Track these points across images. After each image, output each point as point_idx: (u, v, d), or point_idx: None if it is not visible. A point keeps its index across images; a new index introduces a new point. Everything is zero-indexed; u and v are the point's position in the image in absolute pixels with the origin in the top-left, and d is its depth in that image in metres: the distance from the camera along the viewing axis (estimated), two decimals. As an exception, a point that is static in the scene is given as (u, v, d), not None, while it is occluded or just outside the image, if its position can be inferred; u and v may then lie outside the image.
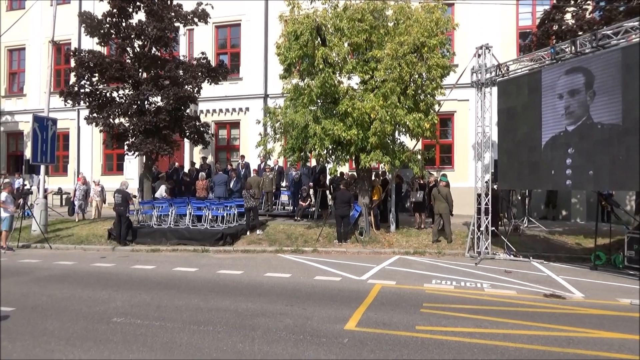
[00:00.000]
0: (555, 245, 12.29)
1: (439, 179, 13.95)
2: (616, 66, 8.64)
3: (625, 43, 8.81)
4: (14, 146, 24.77)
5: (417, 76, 12.20)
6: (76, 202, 16.73)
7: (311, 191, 16.20)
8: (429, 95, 12.60)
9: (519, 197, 16.28)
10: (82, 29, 16.13)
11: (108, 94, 15.94)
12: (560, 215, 17.09)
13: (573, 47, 9.58)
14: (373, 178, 14.44)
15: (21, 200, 13.60)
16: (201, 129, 16.55)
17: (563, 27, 13.69)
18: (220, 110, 20.80)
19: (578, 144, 9.37)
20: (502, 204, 13.79)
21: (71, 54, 15.70)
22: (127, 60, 15.75)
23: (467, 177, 16.89)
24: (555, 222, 16.18)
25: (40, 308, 7.06)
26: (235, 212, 14.37)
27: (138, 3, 15.50)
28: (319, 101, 12.61)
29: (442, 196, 12.58)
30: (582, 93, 9.28)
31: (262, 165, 17.44)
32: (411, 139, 13.76)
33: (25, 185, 18.75)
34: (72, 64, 15.83)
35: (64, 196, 21.14)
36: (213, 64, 17.26)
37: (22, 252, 12.78)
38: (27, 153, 19.51)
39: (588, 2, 14.04)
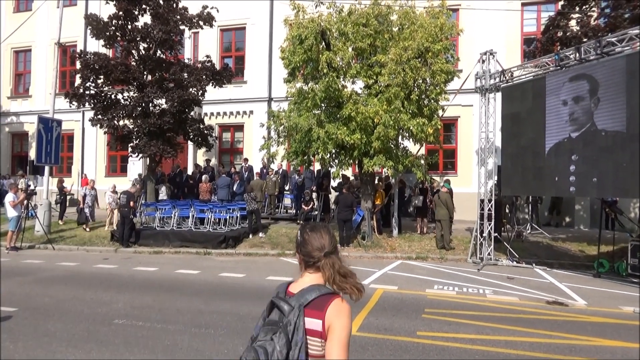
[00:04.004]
0: (559, 252, 12.25)
1: (441, 185, 13.94)
2: (620, 73, 8.63)
3: (629, 50, 8.80)
4: (19, 147, 24.91)
5: (421, 81, 12.21)
6: (87, 210, 15.42)
7: (314, 195, 16.21)
8: (432, 101, 12.60)
9: (524, 204, 16.23)
10: (88, 31, 16.24)
11: (113, 96, 16.00)
12: (563, 221, 17.03)
13: (577, 54, 9.58)
14: (376, 182, 14.44)
15: (25, 201, 13.62)
16: (205, 131, 16.59)
17: (567, 34, 13.68)
18: (224, 113, 20.87)
19: (582, 150, 9.35)
20: (505, 210, 13.76)
21: (77, 55, 15.78)
22: (132, 63, 15.82)
23: (470, 183, 16.86)
24: (558, 228, 16.12)
25: (42, 309, 7.08)
26: (238, 215, 14.39)
27: (144, 6, 15.58)
28: (322, 105, 12.64)
29: (442, 202, 12.54)
30: (586, 100, 9.27)
31: (265, 169, 17.48)
32: (414, 144, 13.77)
33: (30, 186, 18.82)
34: (78, 65, 15.90)
35: (68, 197, 21.14)
36: (218, 67, 17.32)
37: (26, 253, 12.84)
38: (32, 154, 19.60)
39: (593, 8, 14.04)
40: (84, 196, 15.63)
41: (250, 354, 1.71)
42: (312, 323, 1.76)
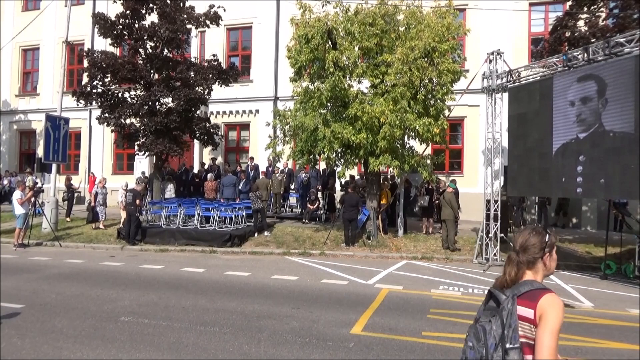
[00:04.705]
0: (565, 254, 12.17)
1: (447, 185, 13.91)
2: (629, 74, 8.56)
3: (638, 51, 8.72)
4: (27, 145, 25.10)
5: (427, 81, 12.19)
6: (99, 209, 15.23)
7: (319, 194, 16.22)
8: (439, 100, 12.57)
9: (529, 204, 16.14)
10: (96, 30, 16.34)
11: (120, 95, 16.10)
12: (570, 223, 16.93)
13: (585, 54, 9.52)
14: (381, 182, 14.42)
15: (33, 198, 13.71)
16: (211, 130, 16.65)
17: (575, 34, 13.58)
18: (231, 112, 20.91)
19: (589, 151, 9.29)
20: (512, 211, 13.69)
21: (84, 54, 15.89)
22: (139, 62, 15.90)
23: (476, 183, 16.81)
24: (565, 229, 16.03)
25: (49, 305, 7.13)
26: (244, 214, 14.43)
27: (151, 5, 15.65)
28: (328, 104, 12.63)
29: (446, 202, 12.51)
30: (594, 100, 9.21)
31: (270, 168, 17.51)
32: (420, 144, 13.74)
33: (37, 183, 18.95)
34: (85, 64, 16.01)
35: (75, 194, 21.21)
36: (224, 66, 17.36)
37: (33, 250, 12.92)
38: (40, 152, 19.73)
39: (601, 9, 13.93)
40: (96, 194, 15.48)
41: (472, 330, 2.21)
42: (524, 311, 2.11)
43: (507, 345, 2.06)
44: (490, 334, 2.10)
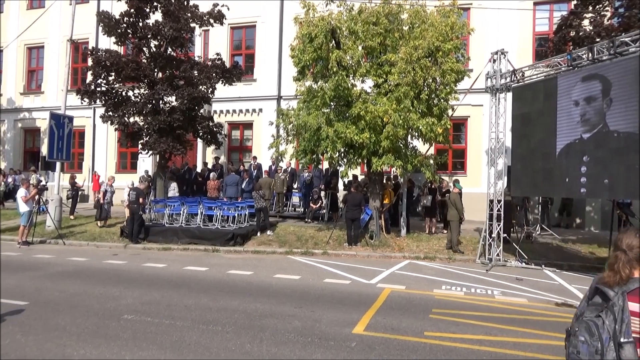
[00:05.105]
0: (568, 254, 12.14)
1: (451, 185, 13.88)
2: (634, 74, 8.50)
3: (643, 50, 8.68)
4: (31, 143, 25.20)
5: (431, 80, 12.15)
6: (106, 206, 15.40)
7: (322, 193, 16.21)
8: (442, 100, 12.54)
9: (534, 205, 16.09)
10: (100, 29, 16.36)
11: (124, 93, 16.13)
12: (574, 223, 16.87)
13: (590, 54, 9.47)
14: (384, 182, 14.40)
15: (37, 196, 13.77)
16: (214, 129, 16.66)
17: (580, 34, 13.52)
18: (234, 111, 20.93)
19: (593, 151, 9.24)
20: (515, 211, 13.66)
21: (88, 52, 15.92)
22: (143, 60, 15.92)
23: (479, 183, 16.76)
24: (568, 230, 15.98)
25: (52, 303, 7.16)
26: (247, 213, 14.44)
27: (155, 3, 15.68)
28: (332, 104, 12.63)
29: (451, 203, 12.49)
30: (599, 100, 9.16)
31: (273, 167, 17.52)
32: (424, 144, 13.70)
33: (41, 181, 19.00)
34: (89, 62, 16.06)
35: (79, 192, 21.24)
36: (227, 64, 17.37)
37: (37, 247, 12.98)
38: (44, 150, 19.80)
39: (606, 8, 13.87)
40: (105, 192, 15.52)
41: (582, 325, 2.27)
42: (636, 307, 2.19)
43: (621, 340, 2.13)
44: (603, 329, 2.18)
